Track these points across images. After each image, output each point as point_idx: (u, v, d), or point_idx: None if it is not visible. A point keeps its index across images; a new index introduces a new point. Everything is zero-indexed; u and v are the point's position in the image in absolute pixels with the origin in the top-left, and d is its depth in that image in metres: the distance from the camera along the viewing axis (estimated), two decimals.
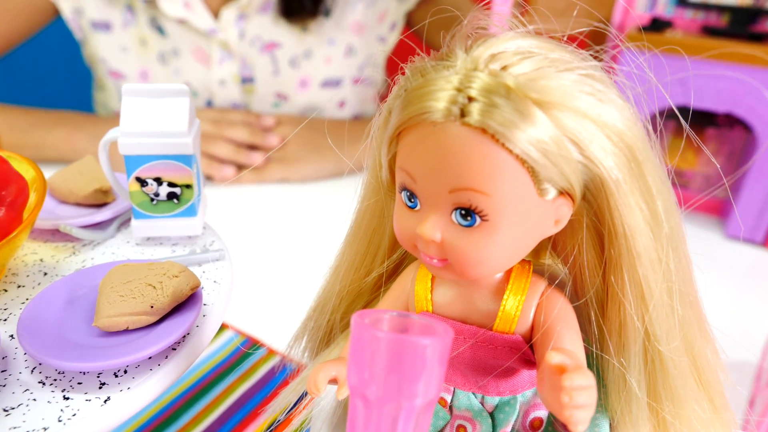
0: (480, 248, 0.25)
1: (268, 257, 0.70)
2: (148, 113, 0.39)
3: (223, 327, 0.58)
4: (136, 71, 0.96)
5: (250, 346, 0.57)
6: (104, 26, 0.94)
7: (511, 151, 0.23)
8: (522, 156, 0.23)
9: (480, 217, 0.24)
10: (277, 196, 0.87)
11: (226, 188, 0.87)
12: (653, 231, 0.26)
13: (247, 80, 0.97)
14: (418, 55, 0.26)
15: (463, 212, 0.24)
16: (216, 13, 0.92)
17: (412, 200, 0.26)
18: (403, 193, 0.26)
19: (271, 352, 0.56)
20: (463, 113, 0.23)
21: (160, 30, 0.92)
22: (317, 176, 0.91)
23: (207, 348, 0.56)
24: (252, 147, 0.89)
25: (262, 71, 0.97)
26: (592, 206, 0.26)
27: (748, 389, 0.54)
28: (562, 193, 0.25)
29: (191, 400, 0.50)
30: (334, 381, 0.28)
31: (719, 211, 0.86)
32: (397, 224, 0.27)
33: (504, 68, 0.23)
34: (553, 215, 0.25)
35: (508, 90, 0.23)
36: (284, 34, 0.95)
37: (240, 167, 0.88)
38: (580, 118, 0.23)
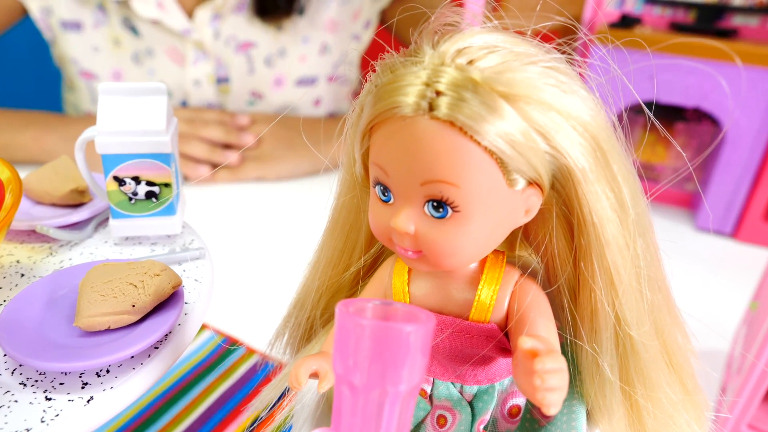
0: (453, 239, 0.25)
1: (244, 257, 0.70)
2: (126, 112, 0.39)
3: (201, 327, 0.58)
4: (109, 71, 0.95)
5: (228, 345, 0.57)
6: (75, 26, 0.93)
7: (479, 143, 0.23)
8: (490, 148, 0.24)
9: (451, 208, 0.25)
10: (254, 194, 0.87)
11: (202, 187, 0.87)
12: (620, 218, 0.26)
13: (222, 80, 0.97)
14: (389, 52, 0.27)
15: (435, 204, 0.25)
16: (190, 14, 0.91)
17: (386, 194, 0.26)
18: (376, 187, 0.27)
19: (250, 351, 0.56)
20: (431, 107, 0.24)
21: (133, 30, 0.92)
22: (293, 174, 0.91)
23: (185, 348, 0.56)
24: (227, 146, 0.89)
25: (237, 71, 0.97)
26: (561, 195, 0.26)
27: (720, 377, 0.55)
28: (531, 183, 0.25)
29: (171, 400, 0.50)
30: (315, 375, 0.28)
31: (689, 203, 0.88)
32: (372, 218, 0.28)
33: (470, 62, 0.24)
34: (523, 205, 0.26)
35: (474, 84, 0.23)
36: (259, 33, 0.95)
37: (215, 166, 0.87)
38: (546, 109, 0.24)
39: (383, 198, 0.27)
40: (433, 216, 0.25)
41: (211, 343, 0.58)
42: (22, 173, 0.46)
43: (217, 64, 0.95)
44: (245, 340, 0.57)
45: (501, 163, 0.24)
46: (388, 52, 0.27)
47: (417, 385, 0.23)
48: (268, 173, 0.90)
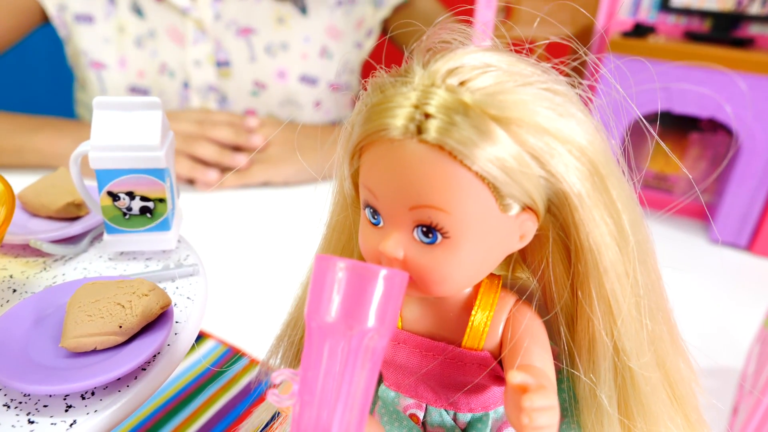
0: (442, 266, 0.24)
1: (250, 264, 0.70)
2: (120, 126, 0.38)
3: (205, 336, 0.58)
4: (116, 59, 0.97)
5: (232, 355, 0.56)
6: (87, 18, 0.95)
7: (470, 168, 0.22)
8: (481, 173, 0.23)
9: (441, 234, 0.24)
10: (260, 199, 0.87)
11: (209, 192, 0.87)
12: (619, 245, 0.25)
13: (222, 64, 0.99)
14: (378, 71, 0.26)
15: (424, 229, 0.24)
16: None
17: (376, 217, 0.26)
18: (366, 209, 0.26)
19: (254, 362, 0.55)
20: (420, 130, 0.23)
21: (138, 12, 0.94)
22: (300, 178, 0.91)
23: (188, 358, 0.55)
24: (235, 148, 0.90)
25: (238, 56, 0.99)
26: (558, 220, 0.25)
27: (732, 396, 0.54)
28: (526, 208, 0.24)
29: (173, 411, 0.49)
30: None
31: (703, 215, 0.86)
32: (362, 241, 0.27)
33: (462, 83, 0.23)
34: (517, 231, 0.25)
35: (465, 107, 0.22)
36: (260, 20, 0.97)
37: (223, 170, 0.88)
38: (540, 133, 0.23)
39: (373, 221, 0.26)
40: (422, 241, 0.24)
41: (215, 353, 0.57)
42: (33, 178, 0.46)
43: (217, 46, 0.97)
44: (249, 350, 0.56)
45: (493, 188, 0.23)
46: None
47: (384, 335, 0.23)
48: (275, 176, 0.90)
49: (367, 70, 1.10)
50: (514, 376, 0.22)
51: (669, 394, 0.28)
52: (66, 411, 0.29)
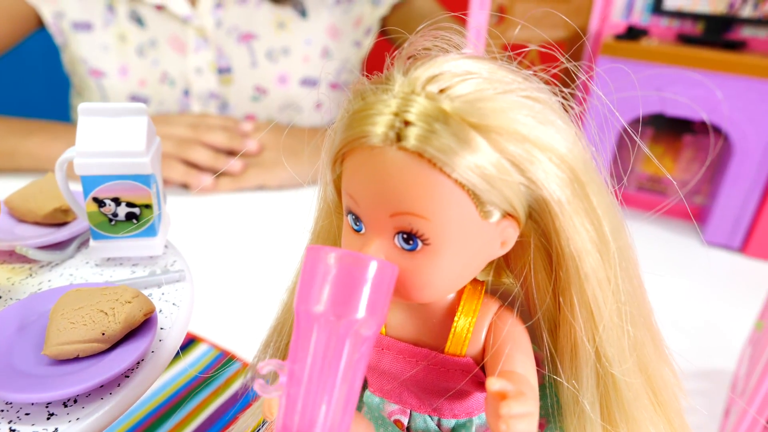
0: (423, 272, 0.24)
1: (246, 268, 0.70)
2: (105, 132, 0.38)
3: (197, 340, 0.58)
4: (116, 68, 0.97)
5: (224, 359, 0.56)
6: (85, 26, 0.95)
7: (449, 176, 0.22)
8: (461, 181, 0.23)
9: (422, 241, 0.24)
10: (255, 203, 0.87)
11: (204, 196, 0.87)
12: (600, 252, 0.25)
13: (224, 70, 0.99)
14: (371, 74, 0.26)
15: (404, 236, 0.24)
16: (194, 2, 0.95)
17: (357, 224, 0.26)
18: (348, 216, 0.26)
19: (246, 366, 0.55)
20: (399, 137, 0.23)
21: (139, 21, 0.94)
22: (294, 181, 0.91)
23: (181, 362, 0.55)
24: (230, 153, 0.90)
25: (240, 62, 0.99)
26: (539, 226, 0.25)
27: (724, 398, 0.53)
28: (507, 215, 0.24)
29: (166, 414, 0.49)
30: None
31: (696, 217, 0.86)
32: (344, 247, 0.27)
33: (442, 91, 0.23)
34: (498, 237, 0.25)
35: (445, 115, 0.22)
36: (261, 25, 0.97)
37: (217, 174, 0.88)
38: (520, 141, 0.23)
39: (355, 227, 0.26)
40: (403, 248, 0.24)
41: (207, 356, 0.57)
42: (27, 182, 0.46)
43: (218, 53, 0.97)
44: (242, 354, 0.56)
45: (473, 196, 0.23)
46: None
47: (373, 327, 0.23)
48: (269, 180, 0.90)
49: (366, 69, 1.11)
50: (492, 383, 0.22)
51: (652, 400, 0.28)
52: (48, 419, 0.29)
